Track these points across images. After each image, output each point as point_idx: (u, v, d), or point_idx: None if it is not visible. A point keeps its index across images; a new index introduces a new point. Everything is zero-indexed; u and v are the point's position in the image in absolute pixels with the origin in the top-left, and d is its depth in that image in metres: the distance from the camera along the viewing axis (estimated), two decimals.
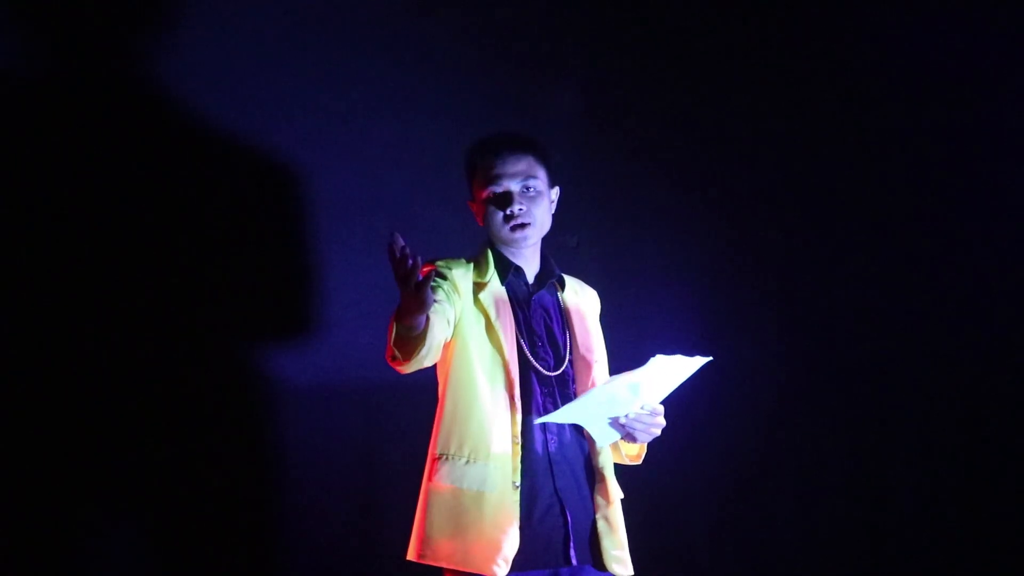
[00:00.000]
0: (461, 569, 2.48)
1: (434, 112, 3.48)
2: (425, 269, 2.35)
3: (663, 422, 2.50)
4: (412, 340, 2.36)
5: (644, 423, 2.46)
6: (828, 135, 3.63)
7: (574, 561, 2.50)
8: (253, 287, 3.35)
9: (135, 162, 3.23)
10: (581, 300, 2.70)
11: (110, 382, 3.20)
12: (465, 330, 2.56)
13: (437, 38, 3.50)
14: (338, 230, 3.42)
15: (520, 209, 2.57)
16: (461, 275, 2.60)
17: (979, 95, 3.52)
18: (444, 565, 2.51)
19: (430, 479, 2.54)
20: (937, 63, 3.54)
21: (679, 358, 2.36)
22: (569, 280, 2.72)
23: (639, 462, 2.62)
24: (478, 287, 2.60)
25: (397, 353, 2.39)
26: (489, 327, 2.56)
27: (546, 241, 2.72)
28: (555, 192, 2.68)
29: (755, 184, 3.64)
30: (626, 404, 2.43)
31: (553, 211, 2.69)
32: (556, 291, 2.68)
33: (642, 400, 2.44)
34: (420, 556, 2.53)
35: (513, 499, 2.47)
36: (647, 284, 3.55)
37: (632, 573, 2.57)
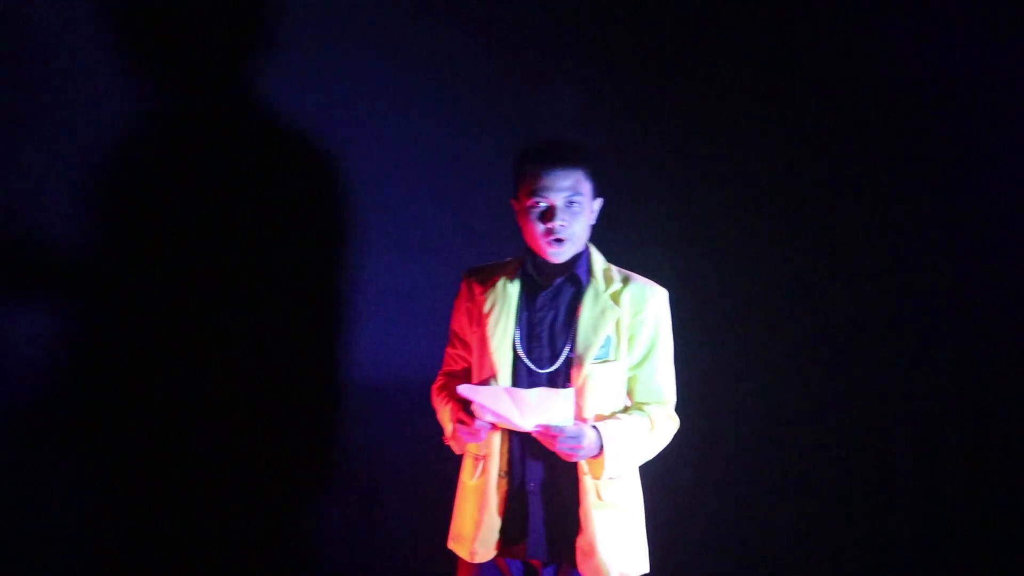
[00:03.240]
0: (457, 553, 2.65)
1: (434, 112, 3.49)
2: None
3: (560, 448, 2.47)
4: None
5: (545, 439, 2.49)
6: (829, 135, 3.62)
7: (529, 553, 2.58)
8: (252, 287, 3.35)
9: (135, 163, 3.23)
10: (618, 297, 2.61)
11: (109, 383, 3.21)
12: (470, 330, 2.69)
13: (437, 39, 3.50)
14: (338, 230, 3.42)
15: (561, 225, 2.55)
16: (484, 285, 2.66)
17: (980, 95, 3.52)
18: (452, 550, 2.67)
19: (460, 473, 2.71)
20: (937, 63, 3.54)
21: (547, 391, 2.45)
22: (616, 275, 2.66)
23: (599, 479, 2.55)
24: (490, 284, 2.65)
25: (452, 444, 2.68)
26: (481, 323, 2.62)
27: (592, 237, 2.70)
28: (597, 203, 2.65)
29: (755, 184, 3.64)
30: (513, 414, 2.45)
31: (593, 222, 2.65)
32: (583, 287, 2.62)
33: (527, 419, 2.45)
34: (448, 545, 2.71)
35: (499, 490, 2.58)
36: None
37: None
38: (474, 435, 2.52)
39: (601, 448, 2.49)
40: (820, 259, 3.64)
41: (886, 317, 3.61)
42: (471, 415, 2.51)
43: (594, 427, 2.50)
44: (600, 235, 3.54)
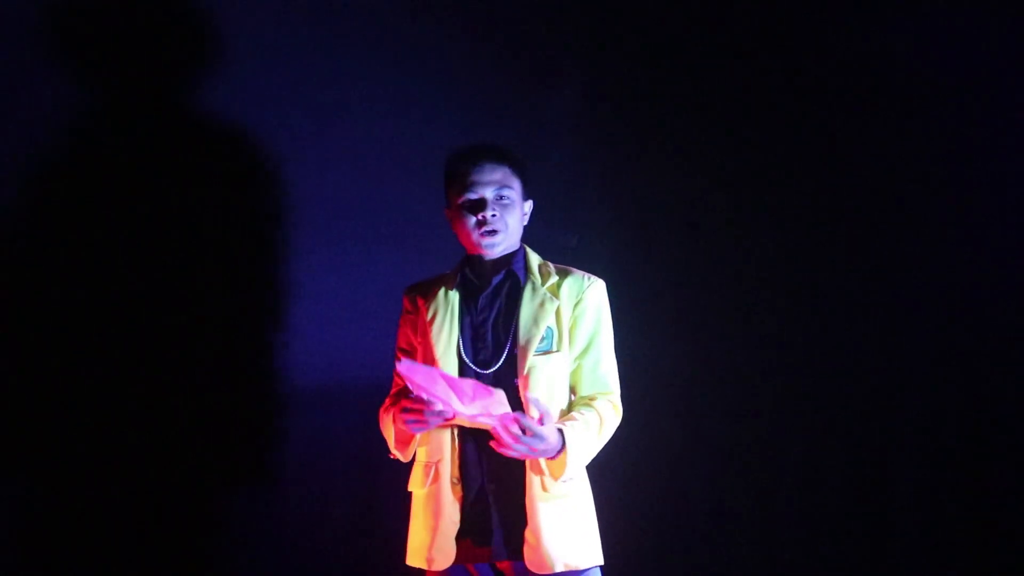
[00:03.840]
0: (416, 566, 2.61)
1: (433, 112, 3.49)
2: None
3: (519, 448, 2.41)
4: (408, 438, 2.60)
5: (505, 433, 2.41)
6: (827, 134, 3.62)
7: (494, 555, 2.56)
8: (253, 286, 3.36)
9: (133, 162, 3.24)
10: (556, 290, 2.63)
11: (110, 380, 3.21)
12: (415, 341, 2.68)
13: (436, 38, 3.50)
14: (339, 230, 3.43)
15: (493, 215, 2.60)
16: (425, 296, 2.67)
17: (979, 96, 3.52)
18: (411, 564, 2.64)
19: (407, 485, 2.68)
20: (936, 63, 3.54)
21: (481, 385, 2.39)
22: (553, 269, 2.67)
23: (557, 480, 2.52)
24: (431, 295, 2.66)
25: (398, 454, 2.63)
26: (425, 332, 2.63)
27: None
28: (528, 205, 2.71)
29: (754, 183, 3.64)
30: (451, 398, 2.38)
31: (525, 223, 2.71)
32: (522, 283, 2.64)
33: (466, 406, 2.39)
34: (408, 561, 2.66)
35: (454, 495, 2.55)
36: (648, 284, 3.55)
37: (555, 571, 2.53)
38: (421, 422, 2.45)
39: (562, 448, 2.46)
40: (818, 257, 3.65)
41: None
42: (413, 411, 2.44)
43: (559, 429, 2.47)
44: (601, 234, 3.57)
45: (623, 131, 3.64)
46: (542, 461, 2.51)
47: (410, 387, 2.44)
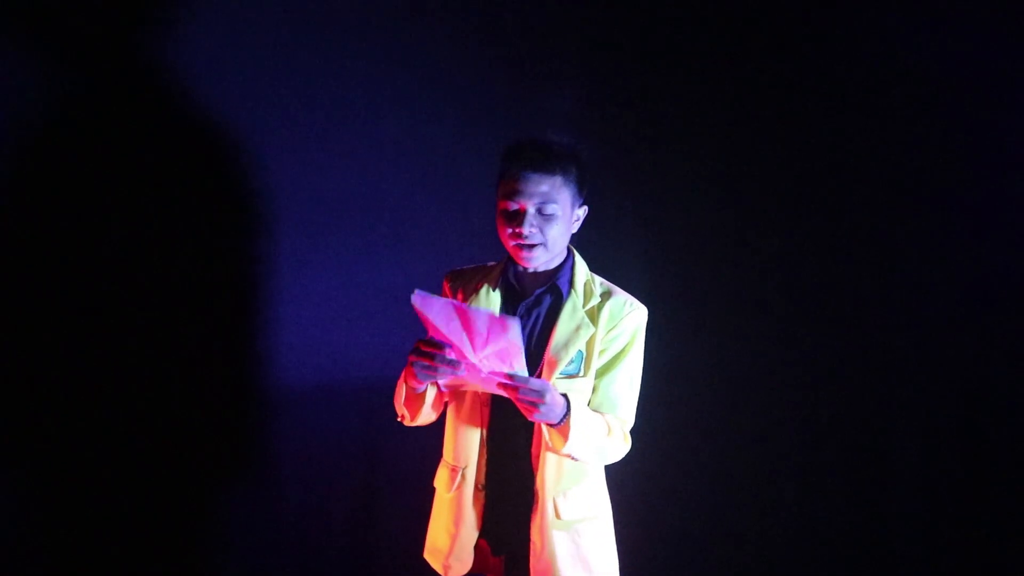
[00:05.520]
0: (434, 567, 2.62)
1: (433, 112, 3.49)
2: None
3: (521, 399, 2.30)
4: (416, 398, 2.49)
5: (507, 390, 2.30)
6: (827, 133, 3.61)
7: (507, 569, 2.54)
8: (253, 286, 3.36)
9: (135, 163, 3.24)
10: (595, 314, 2.52)
11: (110, 379, 3.21)
12: None
13: (436, 38, 3.50)
14: (339, 229, 3.43)
15: (530, 231, 2.46)
16: (466, 290, 2.59)
17: (980, 96, 3.51)
18: (428, 562, 2.64)
19: (434, 480, 2.65)
20: (937, 64, 3.53)
21: (493, 317, 2.28)
22: (597, 288, 2.57)
23: (558, 452, 2.43)
24: (473, 291, 2.57)
25: (405, 411, 2.52)
26: None
27: (578, 244, 2.65)
28: (582, 211, 2.56)
29: (754, 184, 3.63)
30: (464, 341, 2.28)
31: (575, 230, 2.57)
32: (563, 299, 2.54)
33: (478, 349, 2.28)
34: (424, 555, 2.66)
35: (477, 502, 2.53)
36: (648, 284, 3.54)
37: None
38: (431, 369, 2.31)
39: (566, 416, 2.36)
40: (817, 259, 3.64)
41: (888, 317, 3.60)
42: (425, 355, 2.32)
43: (563, 395, 2.38)
44: (601, 232, 3.57)
45: (623, 132, 3.64)
46: (545, 431, 2.42)
47: (426, 326, 2.32)
